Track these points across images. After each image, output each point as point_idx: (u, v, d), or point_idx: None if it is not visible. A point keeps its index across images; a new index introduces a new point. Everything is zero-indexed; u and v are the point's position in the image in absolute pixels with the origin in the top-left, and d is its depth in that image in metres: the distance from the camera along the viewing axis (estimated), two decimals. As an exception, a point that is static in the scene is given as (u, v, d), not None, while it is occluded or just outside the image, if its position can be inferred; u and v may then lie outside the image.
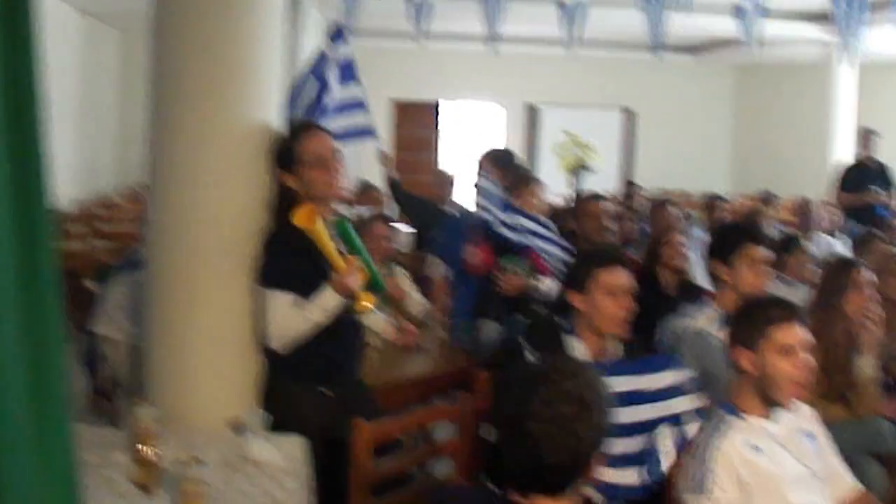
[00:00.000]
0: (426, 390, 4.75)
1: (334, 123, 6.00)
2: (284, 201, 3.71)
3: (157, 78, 3.73)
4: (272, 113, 3.86)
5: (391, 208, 8.92)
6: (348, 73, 6.46)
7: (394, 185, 8.52)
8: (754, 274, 4.26)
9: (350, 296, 3.66)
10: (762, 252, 4.32)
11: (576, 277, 3.84)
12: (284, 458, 3.26)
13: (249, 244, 3.68)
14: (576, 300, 3.80)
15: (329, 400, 3.78)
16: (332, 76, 6.09)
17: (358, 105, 6.47)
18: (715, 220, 8.86)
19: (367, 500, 3.27)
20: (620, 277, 3.79)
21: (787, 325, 3.22)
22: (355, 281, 3.63)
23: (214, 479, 3.04)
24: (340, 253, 3.69)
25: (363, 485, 3.25)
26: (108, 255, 7.65)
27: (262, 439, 3.31)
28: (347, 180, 3.76)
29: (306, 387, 3.75)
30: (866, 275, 4.58)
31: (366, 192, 14.72)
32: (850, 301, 4.49)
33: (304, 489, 3.19)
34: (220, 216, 3.65)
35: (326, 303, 3.61)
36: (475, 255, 5.23)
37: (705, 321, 4.23)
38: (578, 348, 3.77)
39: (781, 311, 3.28)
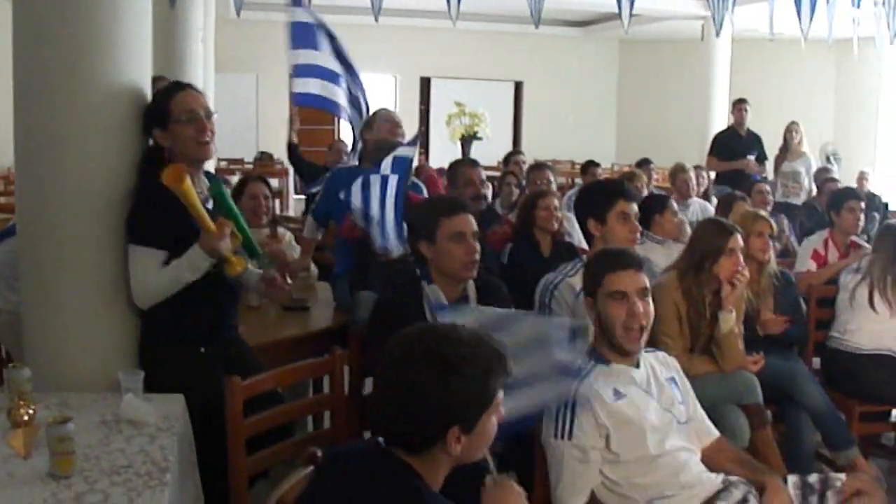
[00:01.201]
0: (306, 348, 4.68)
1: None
2: (154, 159, 3.63)
3: (22, 42, 3.61)
4: (141, 74, 3.76)
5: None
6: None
7: (291, 148, 8.50)
8: (627, 229, 4.33)
9: (220, 258, 3.59)
10: (633, 207, 4.38)
11: (423, 228, 3.89)
12: (161, 416, 3.21)
13: (121, 205, 3.59)
14: (424, 249, 3.86)
15: (207, 359, 3.73)
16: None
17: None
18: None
19: (243, 454, 3.23)
20: (463, 223, 3.85)
21: (621, 272, 3.28)
22: (225, 244, 3.56)
23: (91, 438, 3.00)
24: (212, 215, 3.62)
25: (239, 440, 3.21)
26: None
27: (139, 399, 3.25)
28: (217, 142, 3.66)
29: (184, 346, 3.70)
30: (740, 241, 4.64)
31: (264, 163, 14.67)
32: (723, 266, 4.55)
33: (182, 446, 3.16)
34: (90, 177, 3.55)
35: (194, 262, 3.54)
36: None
37: (580, 278, 4.28)
38: (436, 295, 3.80)
39: (617, 259, 3.34)
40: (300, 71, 6.19)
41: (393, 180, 4.55)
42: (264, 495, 3.66)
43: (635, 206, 4.41)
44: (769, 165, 11.17)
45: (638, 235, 4.44)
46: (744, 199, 6.87)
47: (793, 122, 10.93)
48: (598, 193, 4.54)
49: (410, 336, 2.24)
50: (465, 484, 2.36)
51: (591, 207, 4.40)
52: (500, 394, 2.23)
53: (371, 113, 5.90)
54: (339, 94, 6.34)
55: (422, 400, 2.13)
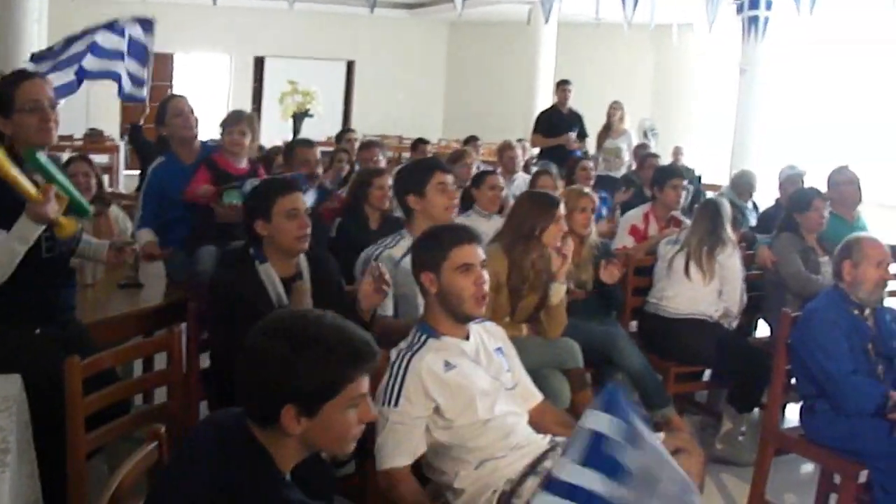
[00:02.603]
0: (143, 324, 4.65)
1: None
2: None
3: None
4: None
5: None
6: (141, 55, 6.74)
7: (135, 129, 8.29)
8: (446, 198, 4.46)
9: (49, 223, 3.51)
10: (449, 177, 4.52)
11: (259, 207, 3.93)
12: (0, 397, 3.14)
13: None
14: (261, 228, 3.90)
15: (43, 339, 3.67)
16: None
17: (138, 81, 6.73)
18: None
19: (82, 432, 3.18)
20: (297, 201, 3.93)
21: (467, 245, 3.35)
22: (52, 208, 3.46)
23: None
24: (36, 183, 3.53)
25: (77, 418, 3.16)
26: None
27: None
28: (58, 130, 3.61)
29: (20, 327, 3.63)
30: (563, 210, 4.79)
31: (94, 139, 14.25)
32: (549, 234, 4.69)
33: (20, 427, 3.09)
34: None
35: (23, 232, 3.45)
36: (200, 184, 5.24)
37: (400, 249, 4.38)
38: (269, 273, 3.88)
39: (459, 234, 3.42)
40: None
41: None
42: (99, 470, 3.62)
43: (451, 177, 4.55)
44: (591, 142, 11.47)
45: (456, 203, 4.55)
46: (548, 173, 7.03)
47: (615, 102, 11.27)
48: (415, 169, 4.70)
49: (279, 314, 2.29)
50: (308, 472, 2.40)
51: (410, 183, 4.52)
52: (358, 389, 2.21)
53: (159, 106, 5.85)
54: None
55: (262, 370, 2.16)
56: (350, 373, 2.19)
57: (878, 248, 4.46)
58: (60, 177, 3.74)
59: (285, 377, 2.13)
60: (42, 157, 3.66)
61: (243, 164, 5.48)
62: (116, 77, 6.77)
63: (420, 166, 4.79)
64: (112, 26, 6.72)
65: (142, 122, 8.15)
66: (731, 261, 5.71)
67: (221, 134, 5.53)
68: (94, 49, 6.61)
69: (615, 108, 11.21)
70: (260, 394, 2.18)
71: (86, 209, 3.94)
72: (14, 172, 3.44)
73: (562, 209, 4.80)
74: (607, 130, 11.22)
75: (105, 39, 6.66)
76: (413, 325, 3.55)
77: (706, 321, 5.65)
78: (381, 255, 4.31)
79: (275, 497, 2.14)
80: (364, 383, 2.23)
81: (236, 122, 5.53)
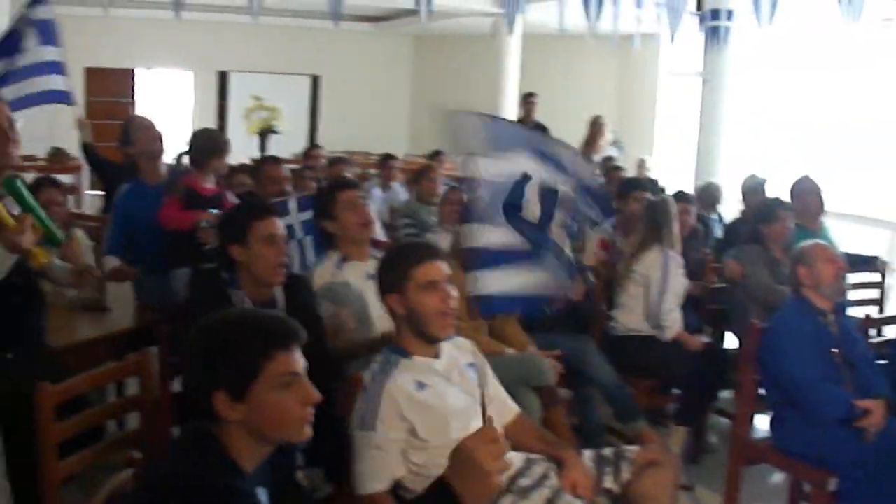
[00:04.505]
0: (113, 348, 4.61)
1: (29, 85, 6.03)
2: None
3: None
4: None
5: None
6: (48, 36, 6.54)
7: (86, 148, 8.21)
8: (354, 214, 4.54)
9: (23, 253, 3.47)
10: (351, 194, 4.61)
11: (234, 231, 3.88)
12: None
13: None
14: (236, 253, 3.85)
15: (11, 364, 3.65)
16: (29, 38, 6.22)
17: (55, 68, 6.59)
18: (387, 177, 9.30)
19: (54, 460, 3.16)
20: (274, 226, 3.89)
21: (428, 262, 3.35)
22: (27, 239, 3.43)
23: None
24: (12, 213, 3.51)
25: (50, 445, 3.14)
26: None
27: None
28: (21, 149, 3.57)
29: None
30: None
31: (58, 159, 14.11)
32: None
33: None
34: None
35: None
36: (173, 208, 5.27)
37: (329, 265, 4.48)
38: (242, 300, 3.83)
39: (420, 251, 3.42)
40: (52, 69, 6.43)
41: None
42: (75, 498, 3.60)
43: (356, 192, 4.68)
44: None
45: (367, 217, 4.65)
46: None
47: (598, 117, 11.15)
48: (325, 193, 4.79)
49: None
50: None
51: (322, 208, 4.64)
52: (284, 367, 2.26)
53: (123, 127, 5.81)
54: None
55: (190, 365, 2.29)
56: (264, 349, 2.25)
57: (822, 246, 4.69)
58: (36, 207, 3.73)
59: (206, 365, 2.25)
60: (19, 184, 3.65)
61: (210, 183, 5.48)
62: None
63: (328, 189, 4.86)
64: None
65: (89, 139, 8.09)
66: (651, 266, 5.69)
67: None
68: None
69: (601, 123, 11.08)
70: (194, 388, 2.28)
71: (59, 239, 3.92)
72: None
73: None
74: (590, 146, 11.01)
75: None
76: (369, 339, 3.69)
77: (634, 337, 5.68)
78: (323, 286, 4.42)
79: (222, 483, 2.18)
80: (290, 362, 2.28)
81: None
